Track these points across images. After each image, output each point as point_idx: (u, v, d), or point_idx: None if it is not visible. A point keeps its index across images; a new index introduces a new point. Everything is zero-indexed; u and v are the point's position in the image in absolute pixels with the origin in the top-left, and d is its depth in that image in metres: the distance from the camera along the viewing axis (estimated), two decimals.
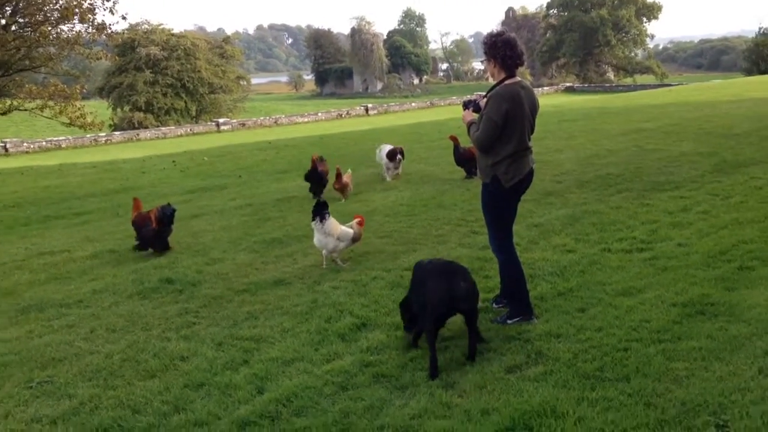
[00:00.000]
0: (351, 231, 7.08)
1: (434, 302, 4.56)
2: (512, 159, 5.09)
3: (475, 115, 5.35)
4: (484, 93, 5.57)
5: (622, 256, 6.53)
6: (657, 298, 5.34)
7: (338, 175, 10.61)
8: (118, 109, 51.01)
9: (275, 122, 44.88)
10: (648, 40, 76.31)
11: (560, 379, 4.20)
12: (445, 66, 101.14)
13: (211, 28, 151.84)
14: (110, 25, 25.39)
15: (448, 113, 36.86)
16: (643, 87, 55.46)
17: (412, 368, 4.58)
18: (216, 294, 6.47)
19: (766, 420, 3.57)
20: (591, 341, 4.69)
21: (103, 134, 37.78)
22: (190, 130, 42.09)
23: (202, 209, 11.00)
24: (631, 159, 11.90)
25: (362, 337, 5.15)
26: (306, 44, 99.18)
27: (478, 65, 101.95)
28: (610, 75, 74.09)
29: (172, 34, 53.78)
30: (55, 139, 37.32)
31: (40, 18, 24.00)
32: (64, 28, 24.92)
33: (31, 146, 35.45)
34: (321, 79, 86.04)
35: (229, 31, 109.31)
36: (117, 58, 37.14)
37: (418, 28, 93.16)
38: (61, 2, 24.08)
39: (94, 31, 24.78)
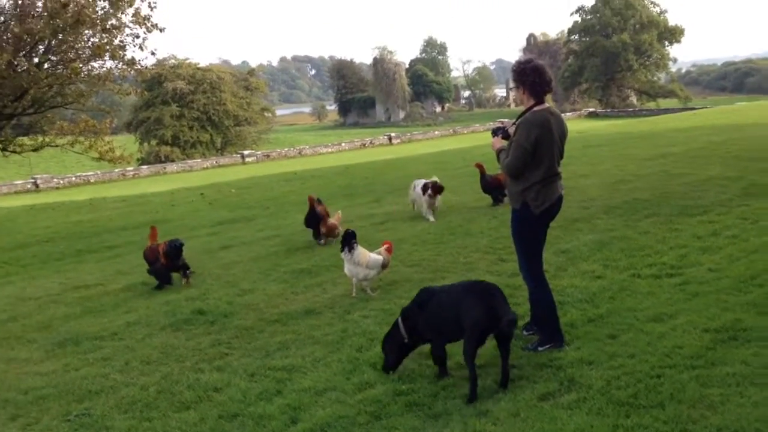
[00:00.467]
0: (380, 258, 7.15)
1: (479, 322, 4.60)
2: (542, 185, 5.13)
3: (505, 142, 5.41)
4: (512, 120, 5.64)
5: (651, 282, 6.50)
6: (689, 323, 5.30)
7: (324, 216, 9.84)
8: (145, 143, 51.92)
9: (299, 153, 45.34)
10: (671, 63, 75.97)
11: (594, 406, 4.19)
12: (467, 93, 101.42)
13: (235, 61, 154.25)
14: (140, 60, 25.98)
15: (471, 141, 36.95)
16: (667, 111, 55.14)
17: (444, 396, 4.60)
18: (247, 325, 6.55)
19: None
20: (624, 368, 4.66)
21: (131, 168, 38.43)
22: (216, 162, 42.67)
23: (231, 240, 11.15)
24: (658, 184, 11.85)
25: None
26: (329, 75, 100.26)
27: (500, 92, 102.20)
28: (633, 99, 73.76)
29: (198, 68, 54.83)
30: (84, 174, 38.05)
31: (72, 56, 24.60)
32: (95, 64, 25.55)
33: (61, 182, 36.18)
34: (344, 109, 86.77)
35: (253, 64, 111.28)
36: (145, 93, 37.85)
37: (440, 57, 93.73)
38: (92, 40, 24.71)
39: (124, 67, 25.37)
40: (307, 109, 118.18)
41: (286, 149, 47.88)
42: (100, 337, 6.68)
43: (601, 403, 4.21)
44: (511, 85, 8.54)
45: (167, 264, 8.34)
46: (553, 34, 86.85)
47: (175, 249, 8.30)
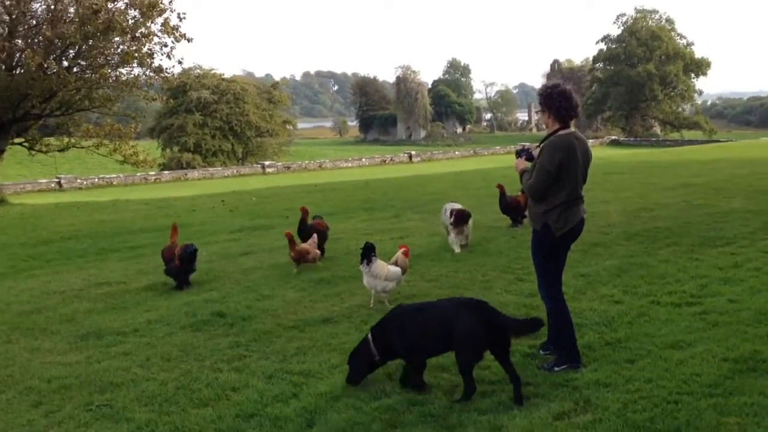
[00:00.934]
0: (398, 270, 7.23)
1: (474, 335, 4.73)
2: (564, 207, 5.18)
3: (528, 164, 5.48)
4: (536, 143, 5.71)
5: (671, 310, 6.50)
6: (707, 352, 5.30)
7: (291, 241, 8.94)
8: (168, 150, 52.46)
9: (320, 166, 45.62)
10: (696, 95, 75.75)
11: (610, 428, 4.21)
12: (488, 116, 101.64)
13: (259, 73, 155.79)
14: (167, 69, 26.43)
15: (491, 162, 37.05)
16: (691, 142, 54.98)
17: (459, 410, 4.63)
18: (266, 329, 6.63)
19: None
20: (640, 392, 4.68)
21: (153, 173, 38.92)
22: (237, 171, 43.08)
23: (251, 247, 11.26)
24: (680, 213, 11.83)
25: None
26: (351, 91, 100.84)
27: (522, 116, 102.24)
28: (657, 129, 73.54)
29: (223, 79, 55.47)
30: (107, 176, 38.57)
31: (101, 61, 25.08)
32: (123, 71, 26.01)
33: (84, 182, 36.69)
34: (365, 125, 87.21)
35: (276, 77, 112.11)
36: (170, 100, 38.37)
37: (462, 78, 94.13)
38: (122, 47, 25.16)
39: (151, 74, 25.80)
40: (328, 124, 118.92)
41: (306, 162, 48.23)
42: (122, 332, 6.79)
43: (617, 425, 4.23)
44: (537, 108, 8.53)
45: (181, 267, 8.49)
46: (577, 61, 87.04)
47: (188, 254, 8.48)
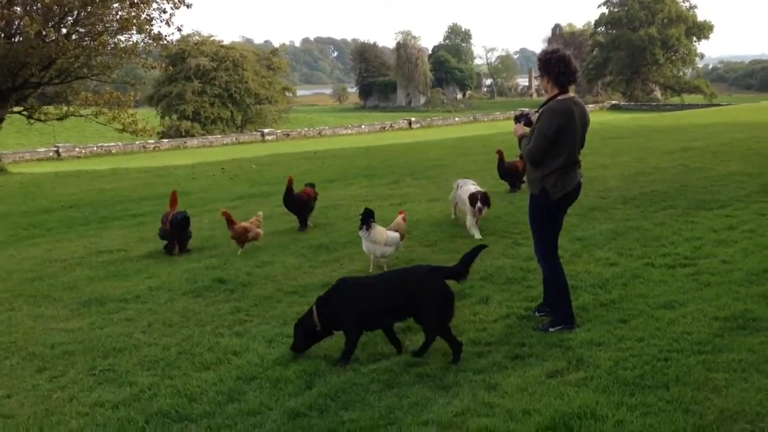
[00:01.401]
0: (397, 235, 7.30)
1: (444, 300, 4.94)
2: (561, 172, 5.24)
3: (527, 129, 5.52)
4: (535, 108, 5.74)
5: (664, 271, 6.59)
6: (699, 311, 5.40)
7: (230, 220, 8.51)
8: (166, 118, 52.29)
9: (319, 133, 45.54)
10: (697, 59, 75.15)
11: (600, 384, 4.32)
12: (489, 82, 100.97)
13: (258, 39, 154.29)
14: (166, 36, 26.23)
15: (491, 128, 36.93)
16: (691, 106, 54.69)
17: (455, 370, 4.74)
18: (266, 294, 6.73)
19: None
20: (632, 350, 4.79)
21: (152, 141, 38.85)
22: (236, 139, 43.01)
23: (251, 214, 11.27)
24: (677, 177, 11.87)
25: (407, 339, 5.32)
26: (351, 57, 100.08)
27: (522, 81, 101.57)
28: (657, 94, 73.11)
29: (222, 46, 55.08)
30: (105, 144, 38.55)
31: (99, 28, 24.89)
32: (122, 38, 25.83)
33: (83, 151, 36.68)
34: (365, 92, 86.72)
35: (275, 44, 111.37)
36: (170, 68, 38.11)
37: (463, 44, 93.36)
38: (120, 13, 24.95)
39: (150, 41, 25.62)
40: (327, 91, 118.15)
41: (306, 129, 48.15)
42: (123, 299, 6.90)
43: (607, 382, 4.34)
44: (536, 74, 8.40)
45: (171, 232, 8.63)
46: (579, 25, 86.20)
47: (178, 221, 8.59)
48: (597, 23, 74.55)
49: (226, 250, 8.72)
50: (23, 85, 25.65)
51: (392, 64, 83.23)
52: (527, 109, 5.98)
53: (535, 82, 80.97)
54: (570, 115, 5.21)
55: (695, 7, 72.08)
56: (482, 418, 4.02)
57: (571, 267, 6.78)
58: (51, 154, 35.68)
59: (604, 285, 6.28)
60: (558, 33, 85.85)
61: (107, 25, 25.12)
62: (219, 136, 45.21)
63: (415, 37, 79.95)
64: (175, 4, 25.26)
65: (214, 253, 8.65)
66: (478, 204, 8.36)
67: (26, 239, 10.85)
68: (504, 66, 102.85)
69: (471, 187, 8.91)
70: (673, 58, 71.52)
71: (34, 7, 24.82)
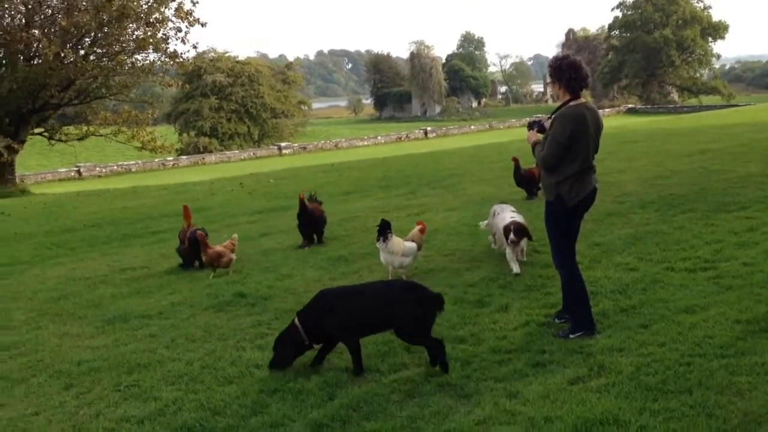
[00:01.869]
0: (414, 245, 7.32)
1: (427, 311, 5.00)
2: (576, 178, 5.24)
3: (540, 136, 5.53)
4: (548, 115, 5.76)
5: (685, 275, 6.55)
6: (720, 315, 5.37)
7: (204, 243, 8.31)
8: (184, 134, 52.82)
9: (335, 146, 45.74)
10: (714, 59, 74.59)
11: (623, 390, 4.31)
12: (504, 89, 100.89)
13: (273, 54, 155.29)
14: (182, 54, 26.63)
15: (507, 136, 36.86)
16: (709, 108, 54.21)
17: (476, 378, 4.75)
18: (287, 307, 6.76)
19: None
20: (653, 356, 4.77)
21: (171, 158, 39.30)
22: (253, 153, 43.37)
23: (270, 228, 11.43)
24: (696, 180, 11.77)
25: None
26: (365, 69, 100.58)
27: (537, 87, 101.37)
28: (674, 96, 72.62)
29: (237, 62, 55.64)
30: (125, 163, 39.02)
31: (116, 48, 25.34)
32: (139, 57, 26.26)
33: (103, 170, 37.15)
34: (380, 102, 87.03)
35: (290, 57, 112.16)
36: (187, 85, 38.57)
37: (477, 52, 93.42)
38: (137, 33, 25.37)
39: (167, 59, 26.01)
40: (343, 103, 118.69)
41: (322, 142, 48.36)
42: (146, 315, 6.99)
43: (629, 388, 4.33)
44: (548, 80, 8.35)
45: (189, 249, 8.75)
46: (592, 30, 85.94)
47: (194, 238, 8.67)
48: (611, 27, 74.29)
49: (246, 265, 8.80)
50: (43, 107, 26.16)
51: (406, 74, 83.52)
52: (540, 116, 5.98)
53: (550, 89, 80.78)
54: (583, 120, 5.22)
55: (710, 7, 71.67)
56: (504, 427, 4.03)
57: (591, 273, 6.76)
58: (72, 174, 36.19)
59: (624, 290, 6.26)
60: (571, 38, 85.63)
61: (124, 45, 25.58)
62: (236, 151, 45.62)
63: (428, 47, 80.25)
64: (189, 22, 25.68)
65: (234, 268, 8.71)
66: (511, 236, 7.16)
67: (50, 259, 11.02)
68: (518, 72, 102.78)
69: (508, 214, 7.67)
70: (689, 59, 71.04)
71: (52, 30, 25.34)
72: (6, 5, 25.18)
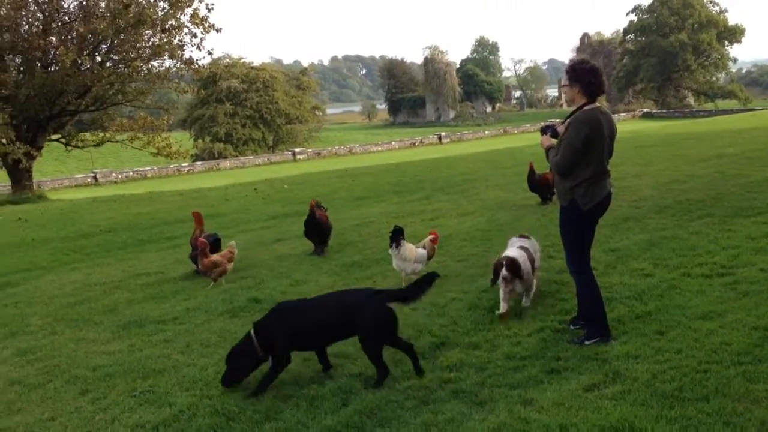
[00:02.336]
0: (424, 252, 7.32)
1: (384, 321, 5.01)
2: (590, 182, 5.22)
3: (554, 140, 5.51)
4: (561, 120, 5.74)
5: (701, 281, 6.49)
6: (738, 321, 5.31)
7: (203, 250, 8.15)
8: (200, 140, 53.11)
9: (350, 151, 45.80)
10: (730, 63, 74.01)
11: (639, 398, 4.27)
12: (518, 93, 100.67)
13: (287, 60, 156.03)
14: (197, 60, 26.83)
15: (521, 140, 36.76)
16: (725, 112, 53.82)
17: (491, 385, 4.73)
18: None
19: None
20: (670, 362, 4.72)
21: (186, 164, 39.52)
22: (268, 159, 43.51)
23: (284, 234, 11.45)
24: (713, 185, 11.68)
25: (441, 356, 5.33)
26: (379, 74, 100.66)
27: (551, 92, 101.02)
28: (690, 100, 72.11)
29: (252, 68, 55.88)
30: (141, 169, 39.31)
31: (133, 55, 25.56)
32: (155, 63, 26.49)
33: (119, 176, 37.44)
34: (394, 108, 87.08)
35: (304, 63, 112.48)
36: (202, 91, 38.84)
37: (491, 56, 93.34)
38: (153, 40, 25.58)
39: (182, 66, 26.20)
40: (357, 108, 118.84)
41: (336, 147, 48.44)
42: (162, 321, 7.02)
43: (645, 395, 4.29)
44: (564, 81, 8.07)
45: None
46: (607, 34, 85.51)
47: (210, 244, 8.68)
48: (626, 31, 73.91)
49: (260, 270, 8.82)
50: (60, 113, 26.41)
51: (420, 79, 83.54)
52: (554, 121, 5.93)
53: (564, 92, 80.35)
54: (598, 124, 5.21)
55: (726, 10, 71.19)
56: None
57: (606, 279, 6.72)
58: (89, 180, 36.50)
59: (640, 296, 6.21)
60: (586, 42, 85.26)
61: (140, 51, 25.80)
62: (251, 156, 45.79)
63: (442, 52, 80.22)
64: (205, 28, 25.86)
65: (249, 273, 8.75)
66: (503, 272, 6.11)
67: (67, 264, 11.10)
68: (533, 77, 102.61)
69: (513, 250, 6.47)
70: (705, 63, 70.55)
71: (69, 37, 25.61)
72: (23, 12, 25.50)
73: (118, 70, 25.78)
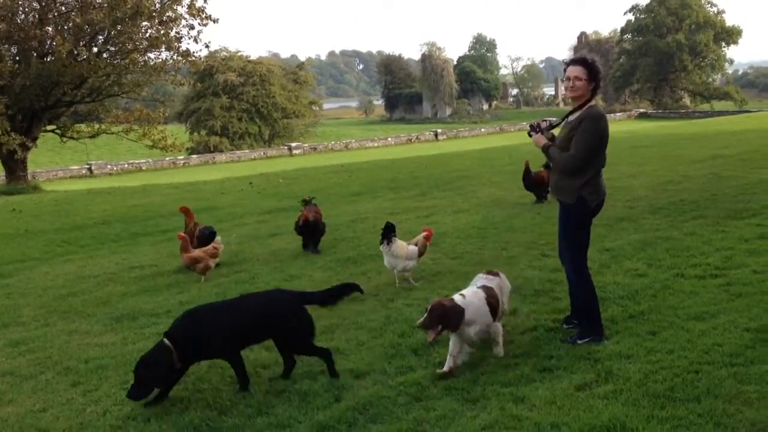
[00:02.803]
0: (416, 249, 7.31)
1: (308, 326, 5.14)
2: (597, 179, 5.25)
3: (544, 139, 5.47)
4: (550, 118, 5.74)
5: (695, 282, 6.51)
6: (730, 323, 5.33)
7: (185, 245, 8.19)
8: (195, 133, 53.00)
9: (346, 146, 45.79)
10: (727, 65, 74.17)
11: (630, 397, 4.28)
12: (515, 91, 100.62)
13: (284, 54, 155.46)
14: (194, 52, 26.74)
15: (517, 138, 36.76)
16: (721, 113, 53.96)
17: (483, 383, 4.74)
18: None
19: None
20: (661, 363, 4.74)
21: (181, 157, 39.47)
22: (264, 153, 43.48)
23: (279, 228, 11.44)
24: (707, 186, 11.73)
25: (434, 352, 5.32)
26: (376, 70, 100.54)
27: (548, 90, 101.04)
28: (686, 101, 72.26)
29: (249, 61, 55.75)
30: (136, 161, 39.22)
31: (129, 46, 25.45)
32: (152, 55, 26.38)
33: (114, 168, 37.36)
34: (391, 104, 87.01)
35: (302, 57, 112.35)
36: (198, 84, 38.73)
37: (488, 54, 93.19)
38: (150, 31, 25.47)
39: (179, 58, 26.11)
40: (354, 104, 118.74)
41: (332, 142, 48.41)
42: (155, 314, 7.01)
43: (637, 395, 4.30)
44: (583, 75, 7.71)
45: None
46: (605, 33, 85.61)
47: (205, 237, 8.77)
48: (623, 30, 74.02)
49: (254, 265, 8.82)
50: (56, 104, 26.29)
51: (418, 75, 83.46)
52: (540, 119, 5.84)
53: (562, 91, 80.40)
54: (607, 120, 5.28)
55: (723, 12, 71.33)
56: (510, 431, 4.02)
57: (600, 278, 6.73)
58: (84, 171, 36.42)
59: (633, 296, 6.23)
60: (584, 41, 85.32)
61: (137, 43, 25.68)
62: (247, 150, 45.73)
63: (440, 48, 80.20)
64: (202, 20, 25.74)
65: (243, 268, 8.75)
66: (420, 319, 5.05)
67: (60, 256, 11.06)
68: (530, 75, 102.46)
69: (469, 290, 5.37)
70: (702, 64, 70.70)
71: (66, 27, 25.47)
72: (20, 2, 25.36)
73: (115, 62, 25.65)
